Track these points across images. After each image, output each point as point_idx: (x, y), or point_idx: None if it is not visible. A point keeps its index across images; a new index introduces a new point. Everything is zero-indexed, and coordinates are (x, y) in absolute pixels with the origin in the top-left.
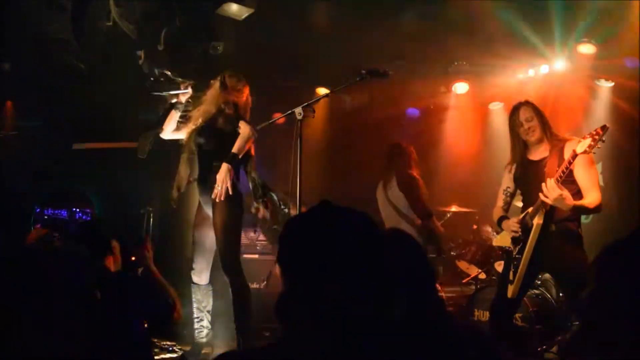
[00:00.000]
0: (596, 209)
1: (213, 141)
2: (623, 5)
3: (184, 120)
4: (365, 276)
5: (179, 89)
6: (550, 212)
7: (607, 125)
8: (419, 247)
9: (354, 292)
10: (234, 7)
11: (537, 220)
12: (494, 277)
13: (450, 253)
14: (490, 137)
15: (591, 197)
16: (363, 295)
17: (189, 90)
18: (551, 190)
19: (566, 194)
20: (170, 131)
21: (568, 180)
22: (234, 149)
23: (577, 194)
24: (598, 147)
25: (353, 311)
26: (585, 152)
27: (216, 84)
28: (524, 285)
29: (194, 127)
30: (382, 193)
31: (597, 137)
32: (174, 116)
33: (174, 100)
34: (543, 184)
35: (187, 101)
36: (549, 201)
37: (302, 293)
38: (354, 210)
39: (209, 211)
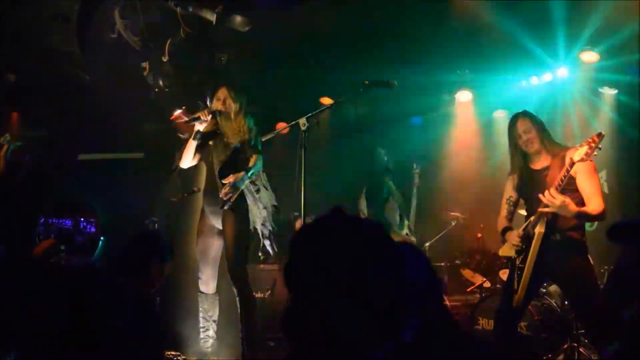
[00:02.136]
0: (599, 216)
1: (224, 155)
2: (625, 12)
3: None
4: (377, 289)
5: (198, 119)
6: (552, 220)
7: (603, 132)
8: (428, 260)
9: (365, 306)
10: (238, 19)
11: (539, 229)
12: (498, 286)
13: (455, 261)
14: (494, 145)
15: (593, 204)
16: (374, 310)
17: (209, 118)
18: (553, 198)
19: (569, 200)
20: (189, 160)
21: (570, 189)
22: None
23: (581, 202)
24: (595, 155)
25: (363, 327)
26: (582, 159)
27: (238, 105)
28: (528, 294)
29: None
30: None
31: (593, 144)
32: (193, 145)
33: (196, 129)
34: (542, 195)
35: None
36: (552, 209)
37: (310, 306)
38: (367, 219)
39: (214, 222)
